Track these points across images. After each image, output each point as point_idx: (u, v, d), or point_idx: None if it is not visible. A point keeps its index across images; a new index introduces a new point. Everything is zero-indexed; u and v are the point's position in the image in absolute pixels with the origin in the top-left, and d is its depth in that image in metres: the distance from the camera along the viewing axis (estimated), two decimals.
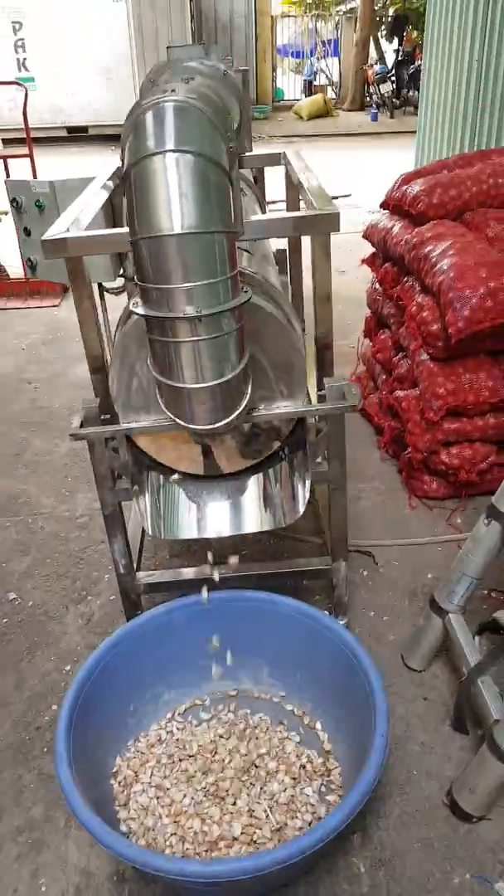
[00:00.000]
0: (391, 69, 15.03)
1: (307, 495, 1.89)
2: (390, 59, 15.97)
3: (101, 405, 1.91)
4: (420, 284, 2.91)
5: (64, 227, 1.78)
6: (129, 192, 1.41)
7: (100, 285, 2.78)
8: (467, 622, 2.15)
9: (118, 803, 1.89)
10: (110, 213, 2.35)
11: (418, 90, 14.70)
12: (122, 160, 1.47)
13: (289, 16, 17.41)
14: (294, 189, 2.39)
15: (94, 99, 12.90)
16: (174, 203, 1.36)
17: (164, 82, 2.16)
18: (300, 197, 2.03)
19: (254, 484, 1.94)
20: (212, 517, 1.93)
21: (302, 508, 1.90)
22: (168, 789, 1.91)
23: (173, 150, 1.36)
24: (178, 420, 1.62)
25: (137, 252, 1.42)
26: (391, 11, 16.46)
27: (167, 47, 2.27)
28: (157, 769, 1.97)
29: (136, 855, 1.51)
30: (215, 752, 1.99)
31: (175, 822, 1.83)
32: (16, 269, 5.77)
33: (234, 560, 2.07)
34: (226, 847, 1.76)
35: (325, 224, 1.73)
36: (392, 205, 3.29)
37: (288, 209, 2.69)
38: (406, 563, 2.71)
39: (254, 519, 1.93)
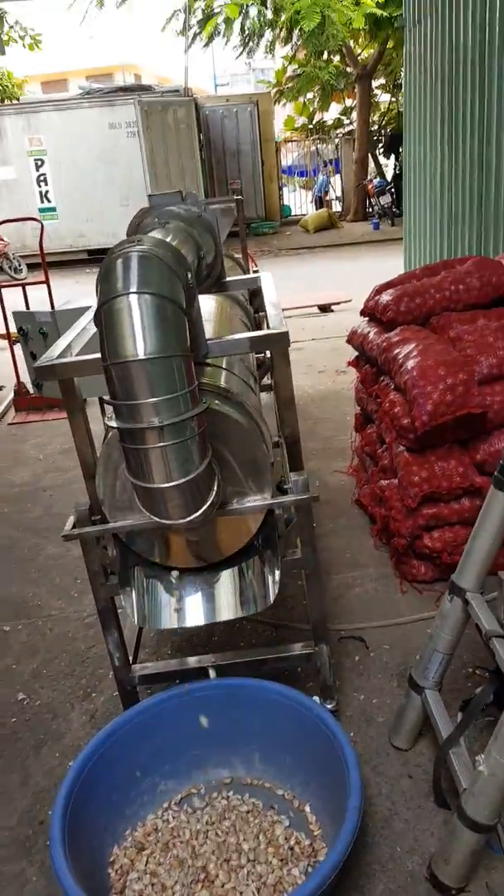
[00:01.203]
0: (390, 182, 16.09)
1: (277, 582, 2.07)
2: (389, 172, 17.14)
3: (91, 508, 2.14)
4: (393, 383, 3.16)
5: (56, 354, 2.07)
6: (100, 326, 1.69)
7: (101, 399, 3.07)
8: (448, 699, 2.25)
9: (114, 891, 1.97)
10: None
11: None
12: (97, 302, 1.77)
13: (291, 140, 18.95)
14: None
15: (112, 224, 13.98)
16: (137, 333, 1.63)
17: (147, 226, 2.54)
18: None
19: (227, 575, 2.12)
20: (190, 607, 2.10)
21: (272, 596, 2.07)
22: (160, 875, 1.99)
23: (136, 292, 1.65)
24: (154, 517, 1.83)
25: (108, 375, 1.69)
26: (388, 130, 17.81)
27: (148, 195, 2.67)
28: (153, 857, 2.05)
29: None
30: (206, 838, 2.07)
31: None
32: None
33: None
34: None
35: (277, 342, 2.01)
36: (367, 313, 3.61)
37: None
38: (397, 646, 2.81)
39: (228, 607, 2.10)
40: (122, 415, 1.70)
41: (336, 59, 15.87)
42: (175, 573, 2.11)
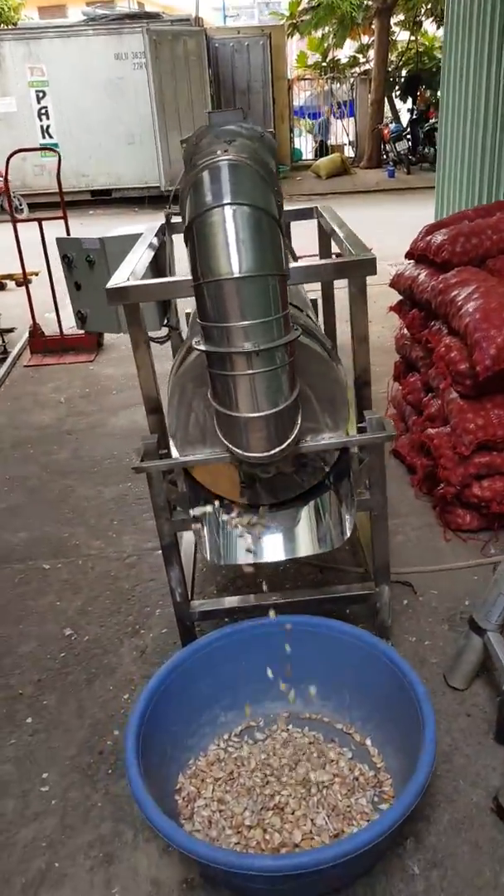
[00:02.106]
0: (406, 127, 15.62)
1: (353, 521, 2.05)
2: (405, 117, 16.61)
3: (158, 442, 2.10)
4: (447, 327, 3.10)
5: (124, 278, 2.01)
6: (192, 242, 1.63)
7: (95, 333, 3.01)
8: None
9: (183, 817, 2.01)
10: (154, 266, 2.59)
11: (434, 147, 15.31)
12: (183, 215, 1.70)
13: (305, 79, 18.23)
14: (326, 238, 2.60)
15: (116, 163, 13.52)
16: (233, 250, 1.57)
17: (207, 145, 2.44)
18: (335, 245, 2.23)
19: (304, 512, 2.10)
20: (267, 544, 2.09)
21: (349, 533, 2.06)
22: (229, 803, 2.02)
23: (230, 203, 1.58)
24: (234, 448, 1.80)
25: (200, 295, 1.64)
26: (404, 72, 17.18)
27: (208, 112, 2.54)
28: (218, 785, 2.09)
29: (206, 851, 1.63)
30: (272, 768, 2.10)
31: (238, 832, 1.94)
32: (52, 327, 6.09)
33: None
34: (287, 853, 1.86)
35: (363, 268, 1.94)
36: (417, 254, 3.52)
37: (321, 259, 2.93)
38: (444, 591, 2.82)
39: (305, 544, 2.09)
40: (212, 338, 1.65)
41: None
42: (262, 508, 2.08)
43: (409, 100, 16.59)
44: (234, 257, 1.57)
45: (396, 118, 16.75)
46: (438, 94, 16.89)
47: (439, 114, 6.63)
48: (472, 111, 5.66)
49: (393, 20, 16.42)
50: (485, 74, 5.39)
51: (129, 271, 2.09)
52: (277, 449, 1.79)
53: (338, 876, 1.76)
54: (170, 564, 2.24)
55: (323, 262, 2.01)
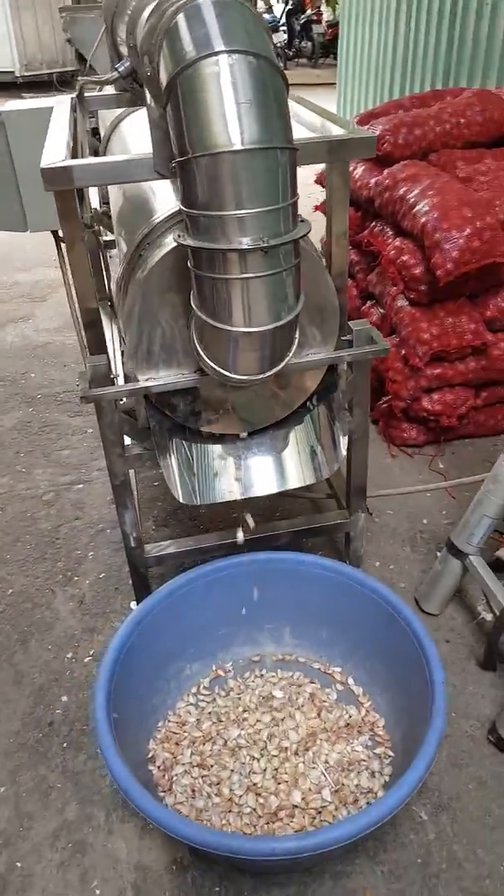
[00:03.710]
0: (280, 18, 14.73)
1: (346, 444, 1.80)
2: (278, 8, 15.64)
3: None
4: (394, 228, 2.84)
5: (59, 157, 1.56)
6: (176, 106, 1.23)
7: (55, 233, 2.54)
8: None
9: (161, 789, 1.77)
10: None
11: (311, 41, 14.57)
12: (157, 75, 1.29)
13: None
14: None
15: None
16: (231, 114, 1.19)
17: None
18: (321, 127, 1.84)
19: (291, 437, 1.82)
20: (255, 476, 1.79)
21: (343, 457, 1.80)
22: (212, 767, 1.81)
23: (226, 51, 1.19)
24: (218, 369, 1.47)
25: (186, 175, 1.25)
26: None
27: None
28: (196, 747, 1.86)
29: (228, 841, 1.40)
30: (254, 721, 1.90)
31: (228, 800, 1.73)
32: None
33: (240, 536, 1.97)
34: (287, 817, 1.69)
35: (362, 147, 1.60)
36: None
37: None
38: (400, 512, 2.68)
39: (295, 474, 1.81)
40: (202, 230, 1.28)
41: None
42: (244, 434, 1.76)
43: None
44: (233, 124, 1.19)
45: (269, 9, 15.73)
46: None
47: (341, 6, 6.13)
48: (378, 5, 5.23)
49: None
50: None
51: (63, 149, 1.64)
52: (270, 371, 1.48)
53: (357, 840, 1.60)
54: (123, 507, 1.90)
55: (316, 138, 1.64)
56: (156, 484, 2.84)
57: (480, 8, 4.09)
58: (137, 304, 1.57)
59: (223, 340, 1.40)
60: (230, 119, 1.19)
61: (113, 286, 1.93)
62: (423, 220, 2.55)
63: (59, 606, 2.36)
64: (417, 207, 2.60)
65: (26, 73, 11.74)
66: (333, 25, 13.71)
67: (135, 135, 2.39)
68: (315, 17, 14.78)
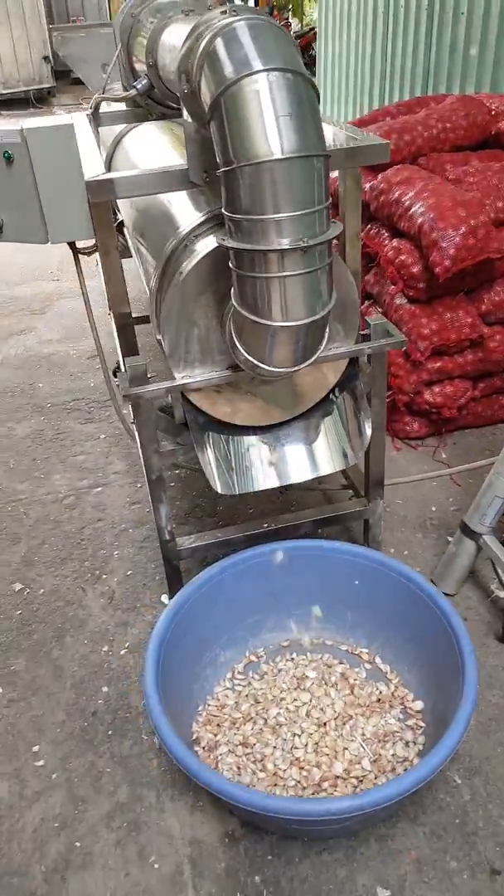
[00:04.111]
0: None
1: (370, 429, 1.91)
2: None
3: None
4: (390, 230, 2.97)
5: (99, 170, 1.66)
6: (220, 121, 1.34)
7: (72, 245, 2.63)
8: None
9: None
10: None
11: None
12: (199, 93, 1.40)
13: None
14: None
15: None
16: (271, 126, 1.31)
17: (149, 15, 2.07)
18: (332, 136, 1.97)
19: (321, 427, 1.93)
20: (290, 464, 1.90)
21: (367, 443, 1.92)
22: (254, 744, 1.90)
23: (264, 70, 1.30)
24: (255, 362, 1.57)
25: (230, 183, 1.36)
26: None
27: None
28: (237, 728, 1.95)
29: (271, 801, 1.50)
30: (292, 700, 1.99)
31: (274, 774, 1.82)
32: None
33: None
34: (330, 787, 1.78)
35: (376, 153, 1.72)
36: None
37: None
38: (409, 501, 2.80)
39: (325, 461, 1.92)
40: (244, 233, 1.39)
41: None
42: (275, 428, 1.87)
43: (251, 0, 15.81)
44: (273, 135, 1.31)
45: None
46: None
47: (318, 15, 6.29)
48: (358, 13, 5.39)
49: None
50: None
51: (101, 163, 1.74)
52: (305, 363, 1.59)
53: (397, 805, 1.70)
54: (158, 501, 1.99)
55: (338, 147, 1.75)
56: (172, 484, 2.93)
57: (456, 17, 4.26)
58: (175, 308, 1.67)
59: (262, 335, 1.51)
60: (271, 131, 1.31)
61: (148, 293, 2.03)
62: (420, 220, 2.68)
63: (90, 603, 2.44)
64: (413, 209, 2.73)
65: (3, 91, 11.81)
66: (301, 35, 13.96)
67: (139, 150, 2.51)
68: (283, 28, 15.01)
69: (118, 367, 3.26)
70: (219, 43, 1.36)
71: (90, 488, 3.00)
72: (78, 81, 13.44)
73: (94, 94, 3.54)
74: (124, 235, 2.79)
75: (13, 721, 2.06)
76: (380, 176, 2.98)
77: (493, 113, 3.27)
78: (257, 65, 1.31)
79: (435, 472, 2.85)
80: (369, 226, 3.14)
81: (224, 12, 1.43)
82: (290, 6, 16.64)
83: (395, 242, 2.89)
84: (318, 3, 6.27)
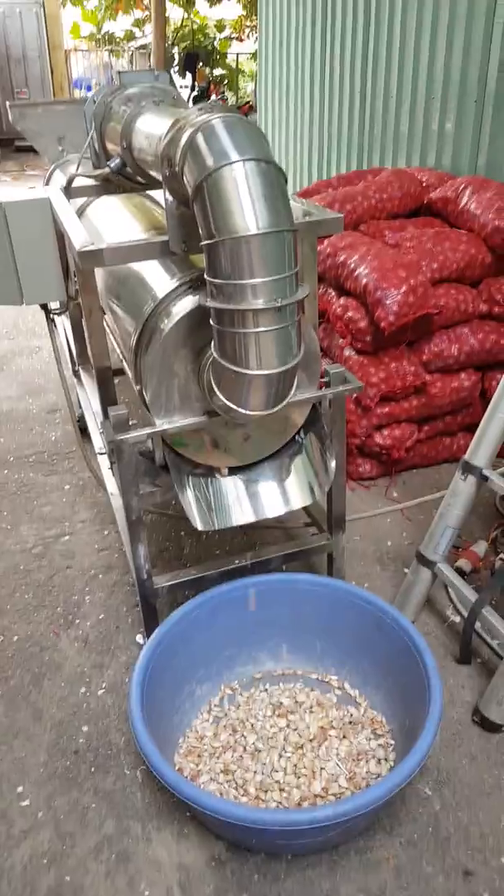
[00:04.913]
0: (188, 102, 15.67)
1: (334, 467, 2.09)
2: (185, 92, 16.66)
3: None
4: (337, 289, 3.23)
5: (85, 241, 1.83)
6: (203, 202, 1.54)
7: (44, 306, 2.78)
8: None
9: None
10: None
11: None
12: (182, 177, 1.60)
13: (81, 50, 17.51)
14: None
15: None
16: (246, 206, 1.51)
17: (121, 103, 2.30)
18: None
19: (290, 465, 2.10)
20: (263, 500, 2.05)
21: (332, 478, 2.09)
22: (235, 772, 1.99)
23: (241, 160, 1.51)
24: (233, 406, 1.74)
25: (213, 253, 1.55)
26: (176, 49, 17.16)
27: (118, 72, 2.43)
28: (217, 756, 2.04)
29: (266, 814, 1.60)
30: (269, 727, 2.10)
31: (255, 797, 1.92)
32: None
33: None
34: (310, 805, 1.89)
35: (332, 225, 1.96)
36: None
37: None
38: (366, 537, 2.98)
39: (295, 496, 2.09)
40: (225, 294, 1.58)
41: None
42: (224, 471, 2.03)
43: (189, 76, 16.63)
44: (249, 213, 1.51)
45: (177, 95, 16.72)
46: (216, 71, 16.99)
47: (258, 98, 6.76)
48: (296, 96, 5.85)
49: None
50: (309, 57, 5.59)
51: (85, 235, 1.92)
52: (276, 407, 1.77)
53: (375, 811, 1.82)
54: (137, 541, 2.11)
55: (301, 220, 1.98)
56: None
57: (387, 98, 4.70)
58: (157, 361, 1.84)
59: (240, 382, 1.68)
60: (248, 210, 1.51)
61: (123, 350, 2.19)
62: (365, 280, 2.94)
63: (64, 648, 2.50)
64: (358, 271, 3.00)
65: None
66: (237, 108, 14.79)
67: (101, 220, 2.72)
68: (221, 102, 15.83)
69: (80, 419, 3.39)
70: (199, 136, 1.57)
71: (57, 537, 3.07)
72: (21, 150, 13.85)
73: (48, 164, 3.76)
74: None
75: None
76: (326, 242, 3.26)
77: (424, 184, 3.63)
78: (234, 155, 1.52)
79: (388, 508, 3.05)
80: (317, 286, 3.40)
81: (201, 109, 1.66)
82: (227, 82, 17.62)
83: (342, 300, 3.14)
84: (256, 81, 6.74)
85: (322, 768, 1.98)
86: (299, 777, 1.96)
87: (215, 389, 1.75)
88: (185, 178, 1.59)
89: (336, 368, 2.10)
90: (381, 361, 3.06)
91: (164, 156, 1.68)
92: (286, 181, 1.62)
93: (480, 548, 2.77)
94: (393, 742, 2.05)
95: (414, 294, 2.87)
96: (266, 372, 1.64)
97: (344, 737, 2.07)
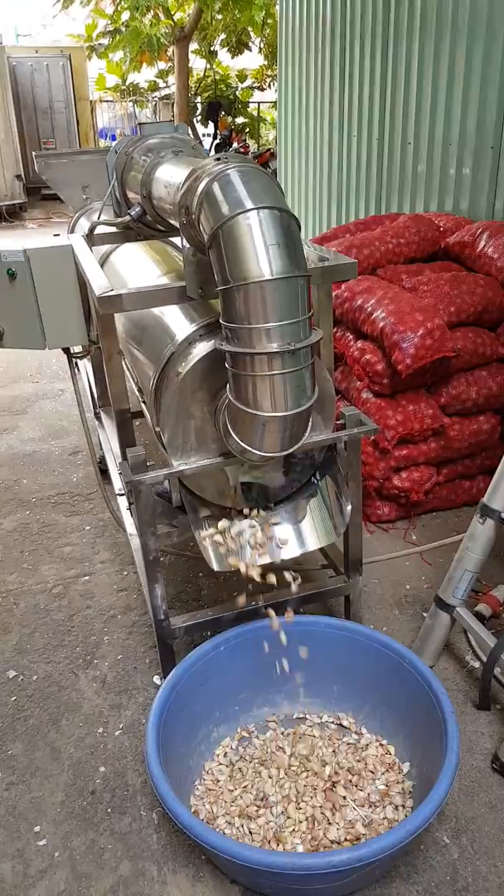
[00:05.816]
0: (210, 150, 16.18)
1: (350, 509, 2.11)
2: (207, 141, 17.18)
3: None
4: (354, 333, 3.29)
5: (105, 287, 1.91)
6: (218, 249, 1.60)
7: (66, 350, 2.87)
8: None
9: None
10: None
11: None
12: (198, 225, 1.67)
13: (106, 101, 18.22)
14: None
15: None
16: (261, 253, 1.57)
17: (141, 153, 2.40)
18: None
19: (306, 507, 2.13)
20: (280, 541, 2.08)
21: (348, 520, 2.12)
22: (252, 817, 1.98)
23: (255, 208, 1.58)
24: (247, 447, 1.78)
25: (228, 299, 1.61)
26: (199, 99, 17.77)
27: (139, 124, 2.56)
28: (233, 800, 2.03)
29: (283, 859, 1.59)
30: (284, 772, 2.09)
31: (273, 842, 1.90)
32: None
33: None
34: (326, 850, 1.86)
35: (347, 271, 2.02)
36: None
37: None
38: (385, 580, 2.98)
39: (312, 537, 2.11)
40: (240, 338, 1.64)
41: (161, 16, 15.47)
42: (264, 510, 2.06)
43: (211, 125, 17.19)
44: (264, 261, 1.57)
45: (199, 142, 17.26)
46: (238, 119, 17.50)
47: (279, 145, 6.98)
48: (315, 143, 6.03)
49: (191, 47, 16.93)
50: (328, 107, 5.77)
51: (106, 281, 2.00)
52: (291, 448, 1.80)
53: (392, 857, 1.79)
54: (154, 581, 2.14)
55: (315, 266, 2.05)
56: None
57: (404, 145, 4.84)
58: (175, 403, 1.90)
59: (254, 424, 1.73)
60: (262, 257, 1.57)
61: (141, 392, 2.25)
62: (382, 324, 3.00)
63: (83, 687, 2.52)
64: (376, 314, 3.06)
65: None
66: (258, 155, 15.21)
67: (126, 267, 2.82)
68: (242, 150, 16.31)
69: (101, 460, 3.45)
70: (215, 186, 1.65)
71: (77, 577, 3.11)
72: (46, 198, 14.34)
73: (73, 212, 3.91)
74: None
75: (14, 803, 2.10)
76: (343, 286, 3.33)
77: (440, 229, 3.71)
78: (249, 204, 1.59)
79: (407, 551, 3.05)
80: (335, 329, 3.46)
81: (218, 159, 1.74)
82: (248, 130, 18.14)
83: (359, 344, 3.20)
84: (277, 129, 6.96)
85: (338, 813, 1.96)
86: (316, 823, 1.94)
87: (230, 431, 1.79)
88: (201, 226, 1.66)
89: (351, 410, 2.14)
90: (399, 404, 3.09)
91: (182, 204, 1.76)
92: (300, 228, 1.68)
93: (500, 592, 2.75)
94: (411, 789, 2.03)
95: (431, 337, 2.92)
96: (280, 414, 1.69)
97: (361, 781, 2.05)
